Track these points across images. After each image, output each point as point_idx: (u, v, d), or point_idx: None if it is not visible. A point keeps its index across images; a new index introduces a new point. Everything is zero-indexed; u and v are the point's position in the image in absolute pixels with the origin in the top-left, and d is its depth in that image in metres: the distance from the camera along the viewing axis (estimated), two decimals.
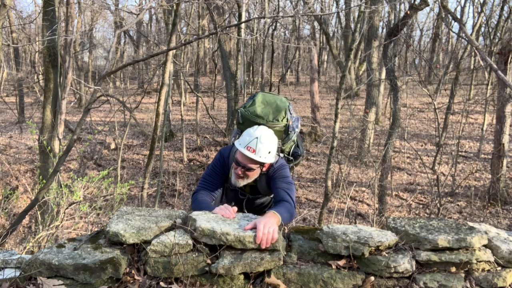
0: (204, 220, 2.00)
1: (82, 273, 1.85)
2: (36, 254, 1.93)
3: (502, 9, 15.08)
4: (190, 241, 1.95)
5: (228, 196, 2.79)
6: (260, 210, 2.81)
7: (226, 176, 2.63)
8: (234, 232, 1.91)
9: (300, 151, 2.88)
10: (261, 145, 2.38)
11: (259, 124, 2.57)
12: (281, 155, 2.72)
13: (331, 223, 5.89)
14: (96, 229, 3.09)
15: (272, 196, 2.74)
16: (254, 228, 1.94)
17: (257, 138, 2.39)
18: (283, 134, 2.66)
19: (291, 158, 2.82)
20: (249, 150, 2.38)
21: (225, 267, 1.87)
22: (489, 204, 10.13)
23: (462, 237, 1.98)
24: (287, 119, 2.64)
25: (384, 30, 20.30)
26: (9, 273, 1.92)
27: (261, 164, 2.45)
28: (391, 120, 10.79)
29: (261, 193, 2.69)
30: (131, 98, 18.45)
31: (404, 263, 1.93)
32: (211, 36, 17.87)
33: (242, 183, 2.50)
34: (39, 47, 14.10)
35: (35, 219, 8.18)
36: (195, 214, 2.06)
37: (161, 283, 1.90)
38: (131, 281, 1.90)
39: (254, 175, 2.48)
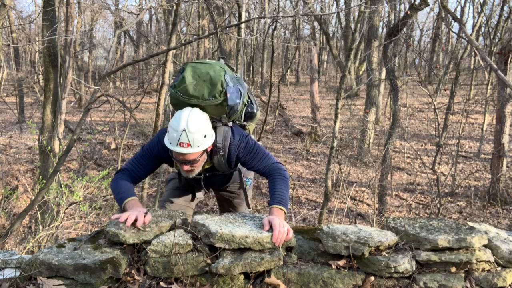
0: (214, 224, 1.99)
1: (82, 273, 1.85)
2: (36, 254, 1.93)
3: (502, 9, 15.07)
4: (190, 241, 1.95)
5: (182, 177, 2.57)
6: (220, 186, 2.69)
7: (161, 161, 2.40)
8: (252, 234, 1.92)
9: (254, 108, 2.56)
10: (193, 135, 2.11)
11: (193, 105, 2.26)
12: (230, 124, 2.38)
13: (331, 223, 5.89)
14: (96, 229, 3.09)
15: (233, 169, 2.51)
16: (270, 228, 1.98)
17: (184, 130, 2.09)
18: (226, 109, 2.31)
19: (244, 123, 2.52)
20: (183, 146, 2.11)
21: (225, 267, 1.87)
22: (489, 204, 10.12)
23: (462, 237, 1.97)
24: (225, 93, 2.26)
25: (384, 30, 20.28)
26: (9, 273, 1.92)
27: (204, 150, 2.22)
28: (391, 120, 10.79)
29: (218, 170, 2.47)
30: (131, 98, 18.42)
31: (404, 263, 1.93)
32: (211, 36, 17.86)
33: (194, 173, 2.31)
34: (39, 47, 14.09)
35: (35, 219, 8.18)
36: (199, 218, 2.05)
37: (161, 283, 1.90)
38: (131, 281, 1.90)
39: (202, 161, 2.29)
